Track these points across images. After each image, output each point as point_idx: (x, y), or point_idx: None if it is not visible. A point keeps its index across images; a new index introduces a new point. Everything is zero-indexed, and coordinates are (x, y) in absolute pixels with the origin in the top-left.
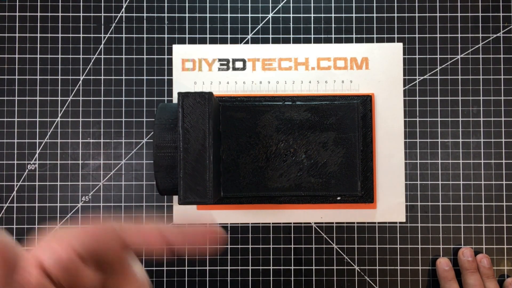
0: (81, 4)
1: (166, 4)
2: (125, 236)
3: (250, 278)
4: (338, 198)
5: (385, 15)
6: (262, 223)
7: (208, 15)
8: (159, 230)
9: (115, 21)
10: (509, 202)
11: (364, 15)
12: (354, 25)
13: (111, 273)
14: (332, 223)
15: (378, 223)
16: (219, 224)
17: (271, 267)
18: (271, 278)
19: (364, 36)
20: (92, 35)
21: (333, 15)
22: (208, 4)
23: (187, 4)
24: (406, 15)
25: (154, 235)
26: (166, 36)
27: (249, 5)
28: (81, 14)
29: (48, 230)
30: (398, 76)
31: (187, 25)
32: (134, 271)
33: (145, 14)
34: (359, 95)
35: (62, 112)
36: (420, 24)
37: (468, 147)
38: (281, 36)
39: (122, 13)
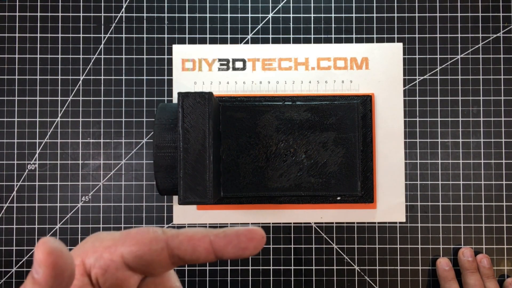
0: (81, 4)
1: (166, 4)
2: (174, 244)
3: (250, 278)
4: (338, 198)
5: (385, 15)
6: (262, 223)
7: (208, 15)
8: (208, 238)
9: (115, 21)
10: (509, 202)
11: (364, 15)
12: (354, 25)
13: (152, 283)
14: (332, 223)
15: (378, 223)
16: (219, 224)
17: (271, 267)
18: (271, 278)
19: (364, 36)
20: (92, 35)
21: (333, 15)
22: (208, 4)
23: (187, 4)
24: (406, 15)
25: (204, 243)
26: (166, 36)
27: (249, 5)
28: (81, 14)
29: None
30: (398, 76)
31: (187, 25)
32: (173, 283)
33: (145, 14)
34: (359, 95)
35: (62, 112)
36: (420, 24)
37: (468, 147)
38: (281, 36)
39: (122, 13)
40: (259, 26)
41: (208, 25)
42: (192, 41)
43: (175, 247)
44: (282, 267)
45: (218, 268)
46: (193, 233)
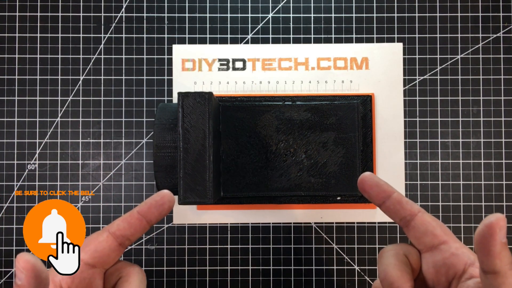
0: (81, 4)
1: (166, 4)
2: (113, 229)
3: (250, 278)
4: (338, 198)
5: (385, 15)
6: (262, 223)
7: (208, 15)
8: (136, 211)
9: (115, 21)
10: (509, 202)
11: (364, 15)
12: (354, 25)
13: (112, 274)
14: (332, 223)
15: (378, 223)
16: (219, 224)
17: (271, 267)
18: (271, 278)
19: (364, 36)
20: (92, 35)
21: (333, 15)
22: (208, 4)
23: (187, 4)
24: (406, 15)
25: (134, 216)
26: (166, 36)
27: (249, 5)
28: (81, 14)
29: None
30: (398, 76)
31: (187, 25)
32: (128, 265)
33: (145, 14)
34: (359, 95)
35: (62, 112)
36: (420, 24)
37: (468, 147)
38: (281, 36)
39: (122, 13)
40: (259, 26)
41: (208, 25)
42: (192, 41)
43: (115, 230)
44: (282, 267)
45: (218, 268)
46: (124, 215)
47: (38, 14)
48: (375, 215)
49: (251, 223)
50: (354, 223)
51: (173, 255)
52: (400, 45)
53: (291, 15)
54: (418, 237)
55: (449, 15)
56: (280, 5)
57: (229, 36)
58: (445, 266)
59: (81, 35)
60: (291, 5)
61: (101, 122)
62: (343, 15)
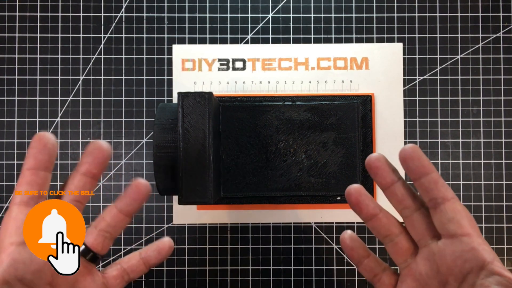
0: (81, 4)
1: (166, 4)
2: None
3: (250, 278)
4: (338, 198)
5: (385, 15)
6: (262, 223)
7: (208, 15)
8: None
9: (115, 21)
10: (509, 202)
11: (364, 15)
12: (354, 25)
13: None
14: (332, 223)
15: None
16: (219, 224)
17: (271, 267)
18: (271, 278)
19: (364, 36)
20: (92, 35)
21: (333, 15)
22: (208, 4)
23: (187, 4)
24: (406, 15)
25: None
26: (166, 36)
27: (249, 5)
28: (81, 14)
29: None
30: (398, 76)
31: (187, 25)
32: None
33: (145, 14)
34: (359, 95)
35: (62, 112)
36: (420, 24)
37: (468, 147)
38: (281, 36)
39: (122, 13)
40: (259, 26)
41: (208, 25)
42: (192, 41)
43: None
44: (282, 267)
45: (218, 268)
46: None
47: (38, 14)
48: None
49: (251, 223)
50: (354, 223)
51: (173, 255)
52: (400, 45)
53: (291, 15)
54: (443, 222)
55: (449, 15)
56: (280, 5)
57: (229, 36)
58: (462, 258)
59: (81, 35)
60: (291, 5)
61: (101, 122)
62: (343, 15)
